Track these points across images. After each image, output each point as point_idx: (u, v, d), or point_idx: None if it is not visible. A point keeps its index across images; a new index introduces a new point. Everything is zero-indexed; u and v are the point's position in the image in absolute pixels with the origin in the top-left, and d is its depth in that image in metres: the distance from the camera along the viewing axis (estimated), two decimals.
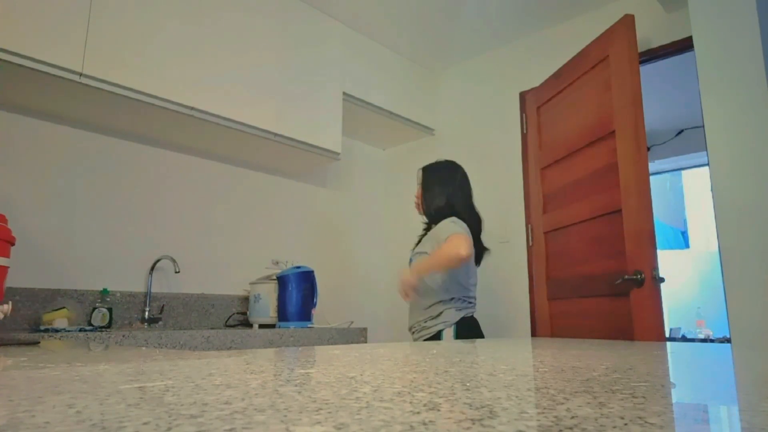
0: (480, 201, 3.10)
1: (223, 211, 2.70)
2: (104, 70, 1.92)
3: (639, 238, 2.01)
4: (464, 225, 2.08)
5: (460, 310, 2.10)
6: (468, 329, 2.09)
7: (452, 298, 2.10)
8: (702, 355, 0.91)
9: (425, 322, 2.12)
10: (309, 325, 2.42)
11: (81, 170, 2.23)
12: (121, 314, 2.24)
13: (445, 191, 2.20)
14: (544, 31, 2.99)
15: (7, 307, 1.30)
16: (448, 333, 2.07)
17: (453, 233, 2.01)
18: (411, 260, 2.27)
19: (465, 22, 2.93)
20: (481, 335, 2.16)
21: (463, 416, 0.31)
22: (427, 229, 2.32)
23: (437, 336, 2.08)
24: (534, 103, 2.79)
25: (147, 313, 2.28)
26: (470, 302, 2.16)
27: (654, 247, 1.99)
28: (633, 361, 0.71)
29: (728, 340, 1.78)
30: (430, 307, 2.12)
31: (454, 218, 2.11)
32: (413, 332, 2.20)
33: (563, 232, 2.49)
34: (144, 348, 0.96)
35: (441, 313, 2.08)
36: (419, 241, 2.30)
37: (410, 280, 2.03)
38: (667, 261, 5.28)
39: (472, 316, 2.16)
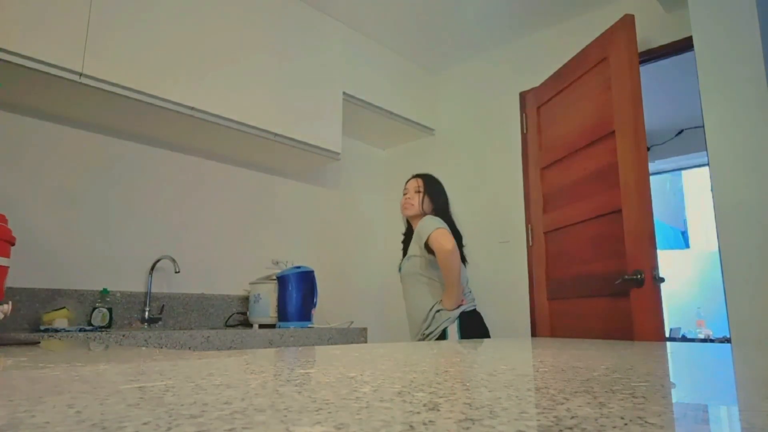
0: (480, 201, 3.11)
1: (223, 211, 2.70)
2: (104, 70, 1.92)
3: (639, 238, 2.01)
4: (441, 221, 2.22)
5: (457, 307, 2.16)
6: (472, 324, 2.15)
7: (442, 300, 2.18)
8: (702, 355, 0.91)
9: (426, 329, 2.17)
10: (309, 325, 2.42)
11: (81, 170, 2.23)
12: (121, 314, 2.24)
13: (442, 201, 2.42)
14: (544, 31, 2.99)
15: (7, 307, 1.30)
16: (453, 329, 2.11)
17: (432, 230, 2.15)
18: (400, 269, 2.38)
19: (465, 23, 2.93)
20: (485, 329, 2.19)
21: (463, 416, 0.31)
22: (407, 233, 2.47)
23: (443, 335, 2.12)
24: (534, 103, 2.79)
25: (147, 313, 2.28)
26: (465, 296, 2.23)
27: (654, 247, 1.99)
28: (633, 361, 0.71)
29: (728, 340, 1.78)
30: (426, 316, 2.19)
31: (431, 216, 2.26)
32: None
33: (563, 232, 2.49)
34: (144, 348, 0.96)
35: (435, 315, 2.15)
36: (404, 248, 2.44)
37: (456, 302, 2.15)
38: (667, 261, 5.28)
39: (474, 310, 2.22)
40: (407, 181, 2.46)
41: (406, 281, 2.32)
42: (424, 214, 2.33)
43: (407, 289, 2.31)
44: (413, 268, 2.26)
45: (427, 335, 2.17)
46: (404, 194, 2.42)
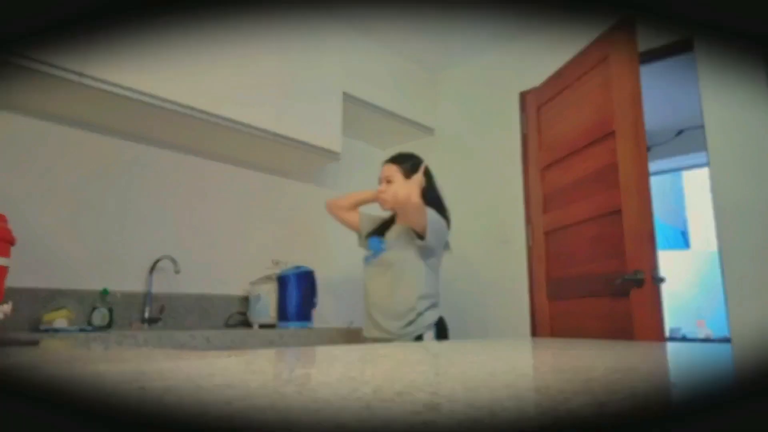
0: (480, 201, 3.11)
1: (223, 211, 2.70)
2: (104, 70, 1.92)
3: (639, 238, 2.01)
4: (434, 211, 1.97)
5: (435, 309, 2.01)
6: (443, 329, 2.01)
7: (431, 296, 2.00)
8: (702, 355, 0.91)
9: (404, 328, 1.94)
10: (309, 325, 2.42)
11: (81, 170, 2.23)
12: (121, 314, 2.24)
13: (436, 186, 2.15)
14: (544, 31, 2.99)
15: (7, 307, 1.30)
16: (429, 337, 1.95)
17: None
18: (374, 249, 2.11)
19: (465, 23, 2.93)
20: (447, 333, 2.05)
21: (463, 416, 0.31)
22: (390, 220, 2.21)
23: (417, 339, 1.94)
24: (534, 103, 2.79)
25: (147, 314, 2.28)
26: (439, 301, 2.06)
27: (654, 247, 1.99)
28: (633, 361, 0.71)
29: (728, 340, 1.78)
30: (407, 313, 1.95)
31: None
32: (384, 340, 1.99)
33: (563, 232, 2.49)
34: (144, 348, 0.96)
35: (417, 319, 1.93)
36: (383, 225, 2.18)
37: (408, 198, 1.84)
38: (667, 261, 5.27)
39: (442, 317, 2.05)
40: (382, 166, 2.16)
41: (388, 267, 2.00)
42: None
43: (386, 275, 2.00)
44: (402, 251, 1.97)
45: (401, 336, 1.94)
46: (379, 184, 2.13)
